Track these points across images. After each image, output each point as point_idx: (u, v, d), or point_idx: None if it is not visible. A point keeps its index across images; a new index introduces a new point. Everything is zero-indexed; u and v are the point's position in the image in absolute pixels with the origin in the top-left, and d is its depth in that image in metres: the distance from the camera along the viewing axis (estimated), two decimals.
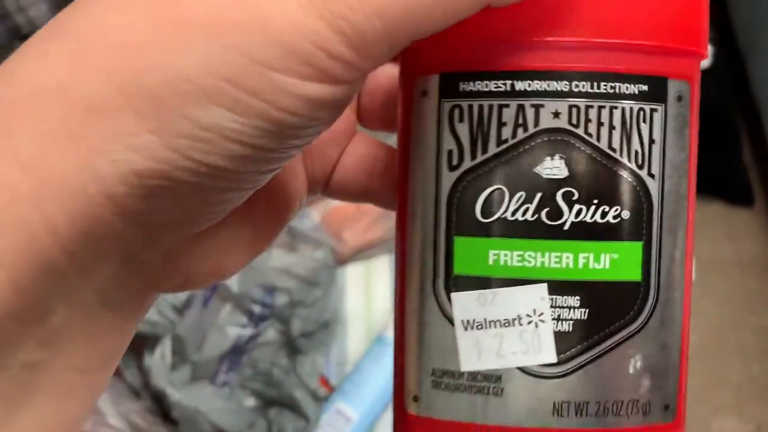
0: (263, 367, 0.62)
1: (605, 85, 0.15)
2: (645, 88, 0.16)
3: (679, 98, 0.16)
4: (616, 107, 0.16)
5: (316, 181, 0.21)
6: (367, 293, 0.65)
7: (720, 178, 1.36)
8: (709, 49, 0.80)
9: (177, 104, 0.14)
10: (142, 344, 0.57)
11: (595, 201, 0.16)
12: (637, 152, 0.16)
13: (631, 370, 0.16)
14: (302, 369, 0.61)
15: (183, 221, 0.17)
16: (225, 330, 0.61)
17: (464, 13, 0.14)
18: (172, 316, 0.58)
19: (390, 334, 0.60)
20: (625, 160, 0.16)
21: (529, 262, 0.16)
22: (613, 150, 0.16)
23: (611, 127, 0.16)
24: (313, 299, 0.63)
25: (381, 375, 0.58)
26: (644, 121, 0.16)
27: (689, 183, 0.17)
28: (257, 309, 0.63)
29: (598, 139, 0.15)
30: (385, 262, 0.67)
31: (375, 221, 0.66)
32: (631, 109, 0.16)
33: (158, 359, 0.55)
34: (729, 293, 1.32)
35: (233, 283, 0.62)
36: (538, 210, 0.15)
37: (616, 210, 0.16)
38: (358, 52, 0.14)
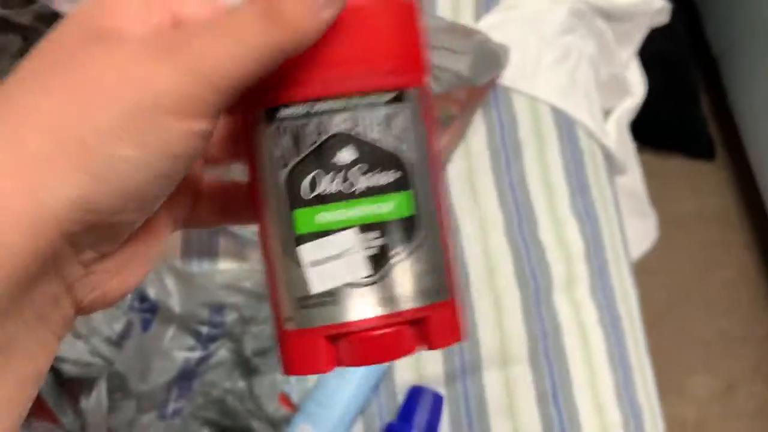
0: (217, 392, 0.56)
1: (365, 99, 0.24)
2: (392, 96, 0.24)
3: (415, 99, 0.25)
4: (376, 112, 0.24)
5: (179, 212, 0.27)
6: None
7: (680, 133, 1.33)
8: (666, 6, 0.74)
9: (98, 146, 0.20)
10: (78, 388, 0.51)
11: (377, 170, 0.24)
12: (395, 136, 0.24)
13: (417, 271, 0.25)
14: (260, 390, 0.56)
15: (104, 239, 0.23)
16: (171, 354, 0.55)
17: (270, 66, 0.22)
18: (108, 353, 0.52)
19: None
20: (389, 143, 0.24)
21: (343, 216, 0.24)
22: (379, 139, 0.24)
23: (376, 125, 0.24)
24: (266, 314, 0.57)
25: (345, 391, 0.54)
26: (395, 117, 0.25)
27: (432, 152, 0.26)
28: (204, 329, 0.57)
29: (370, 133, 0.24)
30: None
31: None
32: (387, 112, 0.24)
33: (94, 402, 0.49)
34: (693, 248, 1.31)
35: (174, 303, 0.56)
36: (341, 182, 0.24)
37: (390, 173, 0.24)
38: (216, 96, 0.21)
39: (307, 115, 0.24)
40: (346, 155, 0.24)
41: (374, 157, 0.24)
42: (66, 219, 0.20)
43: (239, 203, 0.27)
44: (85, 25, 0.22)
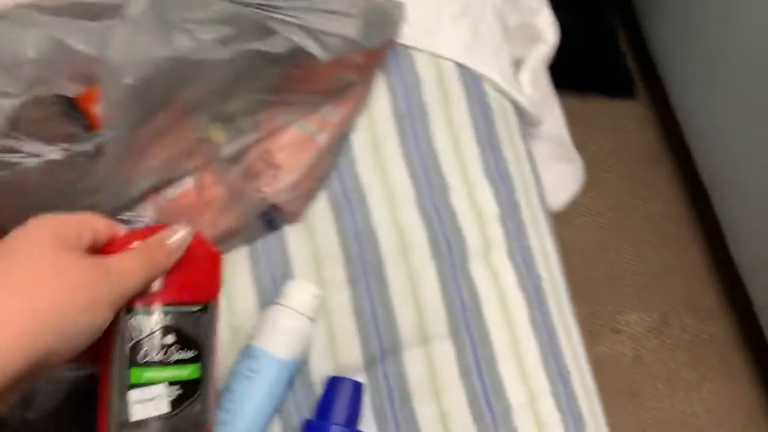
0: None
1: (185, 308, 0.40)
2: (200, 306, 0.40)
3: (213, 309, 0.42)
4: (191, 315, 0.40)
5: None
6: (227, 292, 0.56)
7: (600, 72, 1.32)
8: None
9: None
10: None
11: (185, 349, 0.39)
12: (198, 331, 0.40)
13: (198, 410, 0.40)
14: None
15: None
16: (58, 376, 0.50)
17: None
18: None
19: (259, 344, 0.52)
20: (195, 334, 0.40)
21: (160, 375, 0.38)
22: (189, 331, 0.40)
23: (190, 323, 0.40)
24: None
25: (254, 395, 0.50)
26: (201, 319, 0.40)
27: (215, 339, 0.42)
28: None
29: (185, 327, 0.40)
30: (243, 252, 0.58)
31: (225, 207, 0.56)
32: (197, 316, 0.40)
33: None
34: (621, 187, 1.32)
35: None
36: (163, 354, 0.38)
37: (191, 352, 0.39)
38: None
39: (151, 312, 0.38)
40: (168, 339, 0.39)
41: (185, 342, 0.39)
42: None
43: None
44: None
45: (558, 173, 1.03)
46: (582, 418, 0.57)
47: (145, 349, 0.38)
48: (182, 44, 0.46)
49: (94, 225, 0.39)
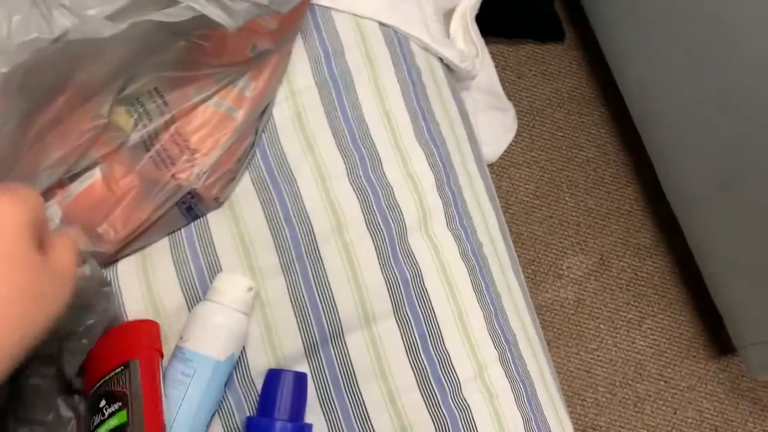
0: (43, 423, 0.48)
1: (103, 379, 0.47)
2: (119, 369, 0.47)
3: (137, 366, 0.47)
4: (113, 378, 0.47)
5: None
6: (150, 292, 0.52)
7: (528, 18, 1.29)
8: None
9: None
10: None
11: (114, 403, 0.46)
12: (123, 386, 0.47)
13: None
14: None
15: None
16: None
17: None
18: None
19: (191, 346, 0.48)
20: (121, 390, 0.47)
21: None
22: (113, 390, 0.47)
23: (116, 382, 0.47)
24: (85, 326, 0.48)
25: (193, 400, 0.47)
26: (123, 375, 0.47)
27: (147, 386, 0.47)
28: None
29: (115, 387, 0.47)
30: (163, 247, 0.53)
31: (138, 199, 0.51)
32: (117, 377, 0.47)
33: None
34: (554, 134, 1.31)
35: None
36: (102, 416, 0.46)
37: (118, 405, 0.46)
38: None
39: (89, 397, 0.47)
40: (102, 402, 0.46)
41: (111, 399, 0.46)
42: None
43: None
44: None
45: (491, 124, 1.01)
46: (531, 381, 0.56)
47: (92, 420, 0.46)
48: (62, 23, 0.40)
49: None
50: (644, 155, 1.21)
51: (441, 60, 0.66)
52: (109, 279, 0.52)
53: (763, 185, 0.94)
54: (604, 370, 1.23)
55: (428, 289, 0.55)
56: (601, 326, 1.25)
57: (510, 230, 0.64)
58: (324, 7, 0.60)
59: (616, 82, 1.22)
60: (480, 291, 0.56)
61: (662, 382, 1.24)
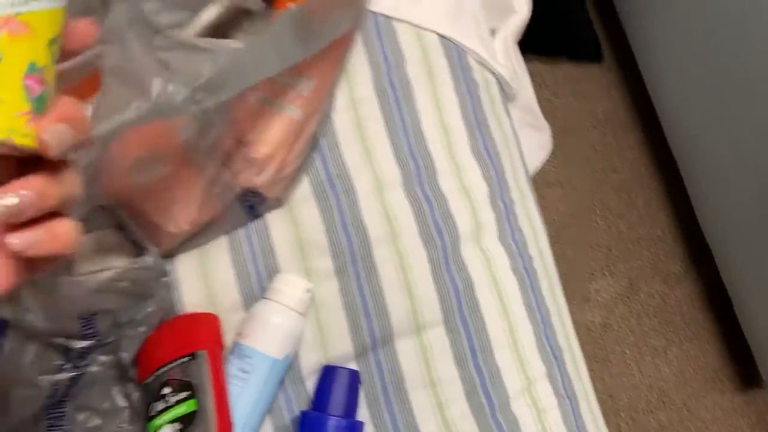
0: (98, 411, 0.49)
1: (177, 361, 0.48)
2: (186, 359, 0.48)
3: (204, 357, 0.48)
4: (180, 366, 0.48)
5: None
6: (207, 287, 0.53)
7: (567, 37, 1.30)
8: None
9: None
10: None
11: (182, 391, 0.47)
12: (191, 377, 0.47)
13: None
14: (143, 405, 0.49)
15: None
16: (35, 380, 0.46)
17: None
18: None
19: (250, 343, 0.49)
20: (189, 379, 0.48)
21: (164, 420, 0.47)
22: (182, 378, 0.48)
23: (180, 372, 0.48)
24: (144, 314, 0.49)
25: (247, 395, 0.47)
26: (192, 365, 0.48)
27: (215, 376, 0.48)
28: (75, 343, 0.49)
29: (181, 375, 0.48)
30: (223, 244, 0.54)
31: (204, 199, 0.52)
32: (184, 366, 0.48)
33: None
34: (588, 155, 1.31)
35: (35, 319, 0.47)
36: (165, 404, 0.47)
37: (187, 394, 0.47)
38: None
39: (148, 382, 0.48)
40: (165, 390, 0.47)
41: (179, 387, 0.47)
42: None
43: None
44: None
45: (526, 141, 1.02)
46: (576, 399, 0.56)
47: (151, 406, 0.47)
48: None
49: None
50: (679, 182, 1.21)
51: (494, 75, 0.67)
52: (168, 270, 0.53)
53: None
54: (628, 396, 1.23)
55: (479, 301, 0.55)
56: (627, 351, 1.24)
57: None
58: (386, 16, 0.60)
59: (653, 106, 1.22)
60: (530, 306, 0.57)
61: (685, 412, 1.23)
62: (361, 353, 0.53)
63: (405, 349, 0.54)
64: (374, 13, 0.60)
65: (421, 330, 0.54)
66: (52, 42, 0.27)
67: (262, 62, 0.46)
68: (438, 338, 0.54)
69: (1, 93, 0.26)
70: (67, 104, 0.28)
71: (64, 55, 0.29)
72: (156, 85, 0.40)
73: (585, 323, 1.24)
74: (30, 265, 0.29)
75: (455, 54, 0.62)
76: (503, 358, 0.54)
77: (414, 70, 0.60)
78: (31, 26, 0.26)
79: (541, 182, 1.30)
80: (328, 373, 0.50)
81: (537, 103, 1.02)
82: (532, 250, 0.60)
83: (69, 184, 0.28)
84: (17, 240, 0.27)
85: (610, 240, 1.27)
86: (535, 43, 1.28)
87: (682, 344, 1.25)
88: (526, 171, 0.66)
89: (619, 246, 1.27)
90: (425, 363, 0.54)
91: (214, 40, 0.48)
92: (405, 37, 0.61)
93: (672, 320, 1.25)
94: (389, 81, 0.59)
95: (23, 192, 0.27)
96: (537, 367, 0.55)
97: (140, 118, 0.40)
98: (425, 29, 0.61)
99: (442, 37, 0.62)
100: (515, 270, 0.57)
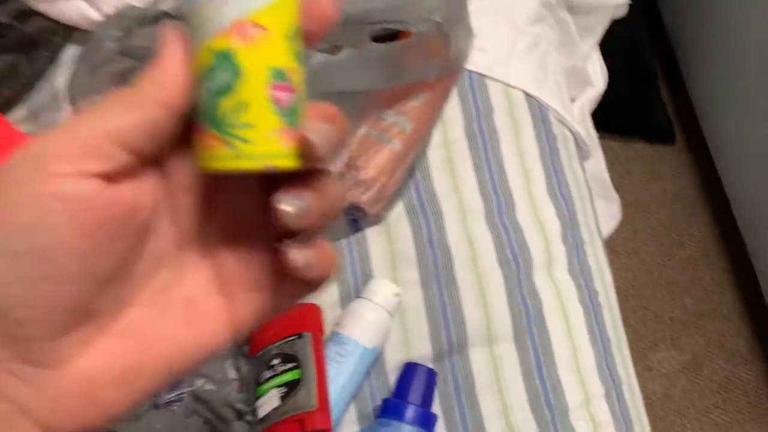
0: (213, 379, 0.57)
1: (287, 339, 0.57)
2: (294, 337, 0.56)
3: (309, 337, 0.56)
4: (289, 343, 0.56)
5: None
6: None
7: (640, 118, 1.37)
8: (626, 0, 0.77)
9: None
10: None
11: (288, 363, 0.56)
12: (296, 351, 0.56)
13: (298, 402, 0.54)
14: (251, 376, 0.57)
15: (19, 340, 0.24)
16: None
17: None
18: None
19: (346, 332, 0.57)
20: (294, 353, 0.56)
21: (272, 385, 0.56)
22: (289, 352, 0.56)
23: (289, 348, 0.57)
24: None
25: (340, 378, 0.55)
26: (298, 343, 0.56)
27: (317, 355, 0.56)
28: None
29: (287, 351, 0.57)
30: None
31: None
32: (291, 343, 0.56)
33: None
34: (656, 229, 1.36)
35: None
36: (272, 372, 0.56)
37: (292, 365, 0.56)
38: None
39: (259, 354, 0.57)
40: (274, 361, 0.55)
41: (286, 359, 0.55)
42: None
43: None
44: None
45: (597, 210, 1.08)
46: (631, 422, 0.61)
47: (261, 375, 0.56)
48: None
49: None
50: (746, 262, 1.24)
51: (571, 132, 0.75)
52: None
53: None
54: None
55: (547, 323, 0.62)
56: (687, 425, 1.25)
57: None
58: (481, 74, 0.70)
59: (723, 187, 1.27)
60: (593, 333, 0.63)
61: None
62: (438, 356, 0.60)
63: (477, 358, 0.60)
64: (470, 71, 0.70)
65: (493, 342, 0.61)
66: (292, 36, 0.22)
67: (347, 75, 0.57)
68: (507, 351, 0.61)
69: (247, 116, 0.22)
70: (320, 103, 0.23)
71: (305, 42, 0.23)
72: None
73: (645, 392, 1.25)
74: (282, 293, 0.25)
75: (538, 110, 0.71)
76: (565, 375, 0.60)
77: (501, 119, 0.69)
78: (265, 24, 0.22)
79: (608, 250, 1.34)
80: (409, 369, 0.58)
81: (608, 176, 1.09)
82: (598, 286, 0.66)
83: (336, 193, 0.24)
84: (300, 255, 0.22)
85: (674, 312, 1.30)
86: (610, 121, 1.36)
87: (745, 424, 1.24)
88: (596, 217, 0.73)
89: (683, 319, 1.30)
90: (494, 372, 0.60)
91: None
92: (495, 92, 0.70)
93: (736, 399, 1.25)
94: (478, 127, 0.68)
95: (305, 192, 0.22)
96: (596, 387, 0.60)
97: None
98: (514, 87, 0.71)
99: (527, 95, 0.71)
100: (581, 300, 0.63)
